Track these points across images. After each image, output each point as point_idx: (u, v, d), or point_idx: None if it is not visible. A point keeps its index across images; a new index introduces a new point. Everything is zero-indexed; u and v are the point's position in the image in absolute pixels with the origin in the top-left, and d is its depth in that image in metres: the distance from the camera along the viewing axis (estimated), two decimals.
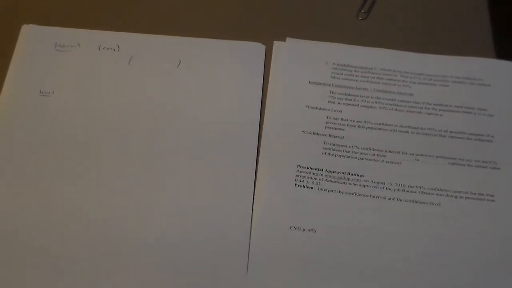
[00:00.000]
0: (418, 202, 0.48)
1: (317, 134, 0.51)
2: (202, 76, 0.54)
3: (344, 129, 0.52)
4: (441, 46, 0.57)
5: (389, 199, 0.48)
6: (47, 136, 0.50)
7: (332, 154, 0.50)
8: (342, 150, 0.51)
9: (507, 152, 0.51)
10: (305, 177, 0.49)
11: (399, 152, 0.51)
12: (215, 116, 0.52)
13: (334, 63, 0.55)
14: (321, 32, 0.57)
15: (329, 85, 0.54)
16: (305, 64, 0.55)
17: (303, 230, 0.47)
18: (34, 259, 0.45)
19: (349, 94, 0.54)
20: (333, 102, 0.53)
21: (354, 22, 0.59)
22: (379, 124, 0.52)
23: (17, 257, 0.45)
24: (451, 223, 0.47)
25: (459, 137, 0.52)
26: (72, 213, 0.47)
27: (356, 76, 0.55)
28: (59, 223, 0.46)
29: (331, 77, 0.55)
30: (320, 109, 0.53)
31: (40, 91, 0.52)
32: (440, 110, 0.53)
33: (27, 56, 0.54)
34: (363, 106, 0.53)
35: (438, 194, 0.49)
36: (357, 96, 0.54)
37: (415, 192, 0.49)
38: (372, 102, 0.53)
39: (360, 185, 0.49)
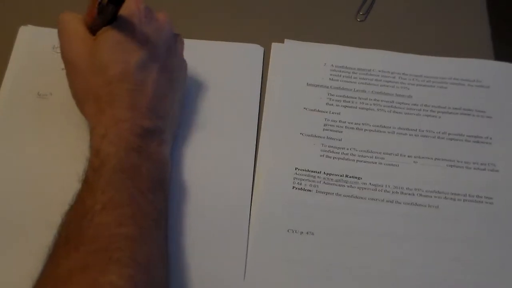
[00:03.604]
0: (416, 204, 0.48)
1: (315, 136, 0.51)
2: (201, 78, 0.54)
3: (342, 131, 0.52)
4: (439, 47, 0.57)
5: (387, 201, 0.48)
6: (45, 139, 0.50)
7: (330, 157, 0.50)
8: (340, 153, 0.50)
9: (505, 154, 0.51)
10: (303, 179, 0.49)
11: (397, 155, 0.51)
12: (213, 117, 0.52)
13: (332, 65, 0.55)
14: (319, 33, 0.57)
15: (327, 87, 0.54)
16: (303, 66, 0.55)
17: (301, 232, 0.47)
18: None
19: (347, 96, 0.53)
20: (331, 104, 0.53)
21: (352, 23, 0.59)
22: (377, 126, 0.52)
23: None
24: (450, 226, 0.47)
25: (457, 139, 0.52)
26: None
27: (355, 78, 0.55)
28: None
29: (330, 79, 0.54)
30: (318, 111, 0.53)
31: (38, 93, 0.52)
32: (438, 112, 0.53)
33: (25, 57, 0.54)
34: (361, 108, 0.53)
35: (436, 197, 0.49)
36: (355, 98, 0.53)
37: (413, 194, 0.49)
38: (371, 104, 0.53)
39: (358, 188, 0.49)
